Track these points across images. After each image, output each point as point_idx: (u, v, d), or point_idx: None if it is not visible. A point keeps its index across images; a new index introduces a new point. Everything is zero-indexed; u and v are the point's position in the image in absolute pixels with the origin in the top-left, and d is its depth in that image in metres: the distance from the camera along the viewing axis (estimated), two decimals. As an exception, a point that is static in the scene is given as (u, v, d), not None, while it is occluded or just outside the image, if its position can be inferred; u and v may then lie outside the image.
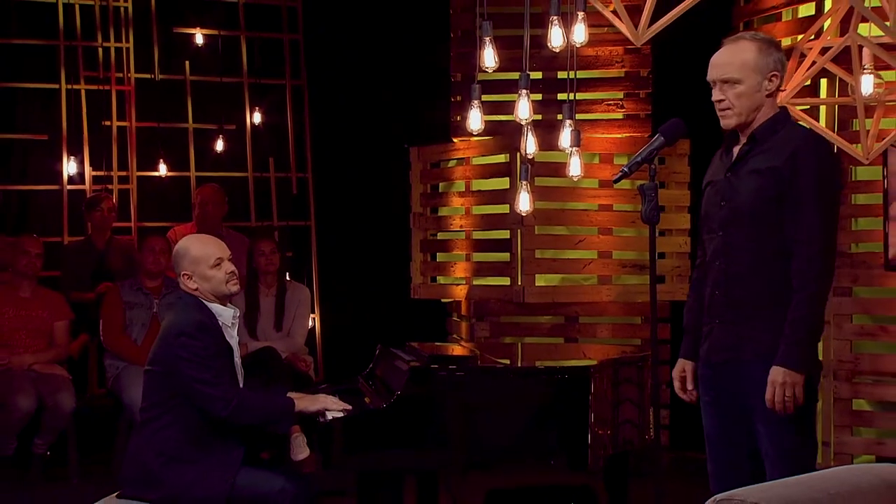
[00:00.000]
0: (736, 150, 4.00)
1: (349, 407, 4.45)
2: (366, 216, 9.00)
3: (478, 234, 7.92)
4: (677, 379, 4.12)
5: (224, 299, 4.62)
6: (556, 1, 4.82)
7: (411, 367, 4.33)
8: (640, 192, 3.96)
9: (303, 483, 4.52)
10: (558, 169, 7.07)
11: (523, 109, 4.77)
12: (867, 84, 5.35)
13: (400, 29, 8.87)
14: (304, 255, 9.03)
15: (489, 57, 4.78)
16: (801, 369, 3.74)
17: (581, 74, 7.93)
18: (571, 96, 5.50)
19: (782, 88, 4.03)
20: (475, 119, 4.85)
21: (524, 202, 5.30)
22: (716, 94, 3.95)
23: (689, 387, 4.09)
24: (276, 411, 4.50)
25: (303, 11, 9.20)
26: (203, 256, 4.57)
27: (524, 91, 4.78)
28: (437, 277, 8.20)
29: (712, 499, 2.40)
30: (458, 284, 7.99)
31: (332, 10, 9.11)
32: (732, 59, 3.91)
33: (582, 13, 4.86)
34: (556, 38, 4.81)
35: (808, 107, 7.01)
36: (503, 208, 7.54)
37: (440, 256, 8.25)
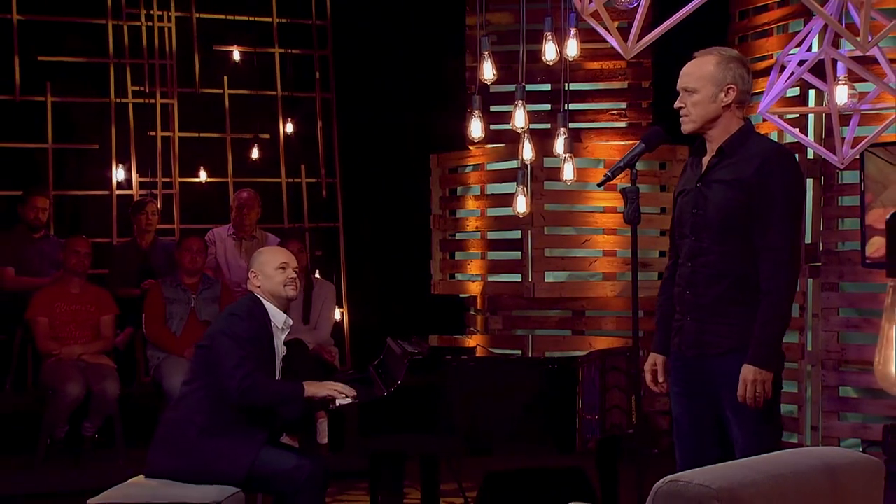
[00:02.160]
0: (705, 161, 3.96)
1: (355, 393, 4.46)
2: (390, 218, 9.01)
3: (492, 235, 7.92)
4: (649, 372, 4.09)
5: (282, 303, 4.69)
6: (549, 18, 4.81)
7: (411, 358, 4.32)
8: (623, 194, 3.94)
9: (317, 462, 4.54)
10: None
11: (519, 119, 4.75)
12: (842, 94, 5.30)
13: (421, 45, 8.88)
14: (332, 254, 9.05)
15: (488, 70, 4.76)
16: (770, 367, 3.72)
17: (587, 86, 7.97)
18: (567, 106, 5.47)
19: (751, 101, 3.97)
20: (476, 127, 4.83)
21: (521, 204, 5.29)
22: (677, 102, 3.94)
23: (661, 379, 4.06)
24: (285, 395, 4.52)
25: (332, 29, 9.24)
26: (271, 259, 4.73)
27: (520, 102, 4.76)
28: (455, 274, 8.21)
29: (662, 480, 2.38)
30: (473, 281, 7.99)
31: (358, 28, 9.12)
32: (694, 71, 3.89)
33: (574, 29, 4.83)
34: (549, 52, 4.80)
35: (798, 115, 6.98)
36: (514, 209, 7.55)
37: (458, 255, 8.26)
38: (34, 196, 7.82)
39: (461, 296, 8.33)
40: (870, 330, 7.05)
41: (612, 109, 7.96)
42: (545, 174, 7.34)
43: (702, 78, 3.86)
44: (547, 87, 7.79)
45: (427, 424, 4.33)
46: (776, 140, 7.10)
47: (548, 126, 7.70)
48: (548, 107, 7.80)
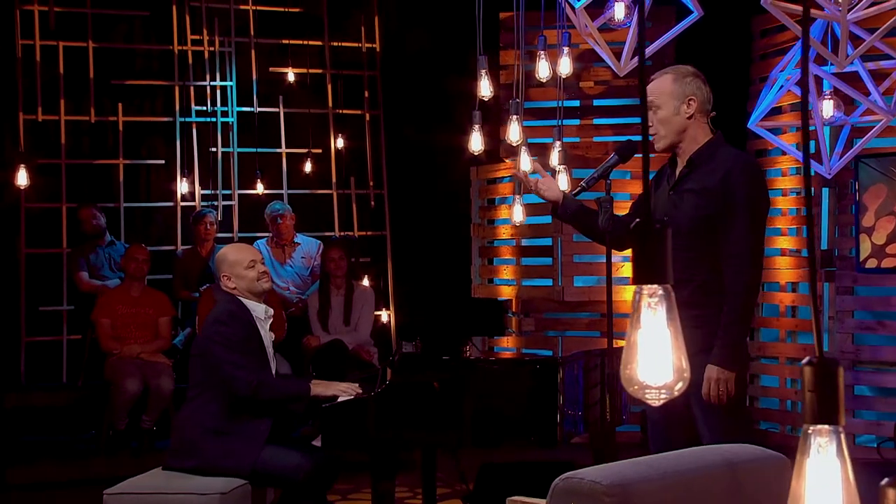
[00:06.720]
0: (678, 171, 3.89)
1: (360, 391, 4.41)
2: (433, 226, 9.01)
3: (525, 242, 7.88)
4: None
5: (258, 296, 4.61)
6: (542, 37, 4.75)
7: (400, 358, 4.30)
8: (597, 204, 3.89)
9: (318, 460, 4.44)
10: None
11: (514, 133, 4.67)
12: (827, 108, 5.15)
13: (461, 66, 8.85)
14: (380, 260, 9.08)
15: (485, 87, 4.70)
16: (733, 367, 3.64)
17: (613, 101, 7.90)
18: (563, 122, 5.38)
19: (711, 112, 3.87)
20: (476, 141, 4.75)
21: (517, 213, 5.23)
22: None
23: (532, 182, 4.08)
24: (292, 394, 4.50)
25: (380, 52, 9.27)
26: (238, 260, 4.59)
27: (515, 117, 4.68)
28: (493, 279, 8.18)
29: (560, 476, 2.32)
30: (509, 285, 7.96)
31: (404, 51, 9.15)
32: (654, 89, 3.84)
33: (567, 48, 4.77)
34: (542, 70, 4.73)
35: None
36: (546, 219, 7.48)
37: (495, 261, 8.23)
38: (80, 210, 8.04)
39: (499, 299, 8.29)
40: (883, 332, 6.91)
41: (637, 124, 7.87)
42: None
43: (663, 94, 3.81)
44: (576, 102, 7.74)
45: (416, 418, 4.26)
46: (784, 151, 6.98)
47: (577, 140, 7.65)
48: (577, 122, 7.74)
